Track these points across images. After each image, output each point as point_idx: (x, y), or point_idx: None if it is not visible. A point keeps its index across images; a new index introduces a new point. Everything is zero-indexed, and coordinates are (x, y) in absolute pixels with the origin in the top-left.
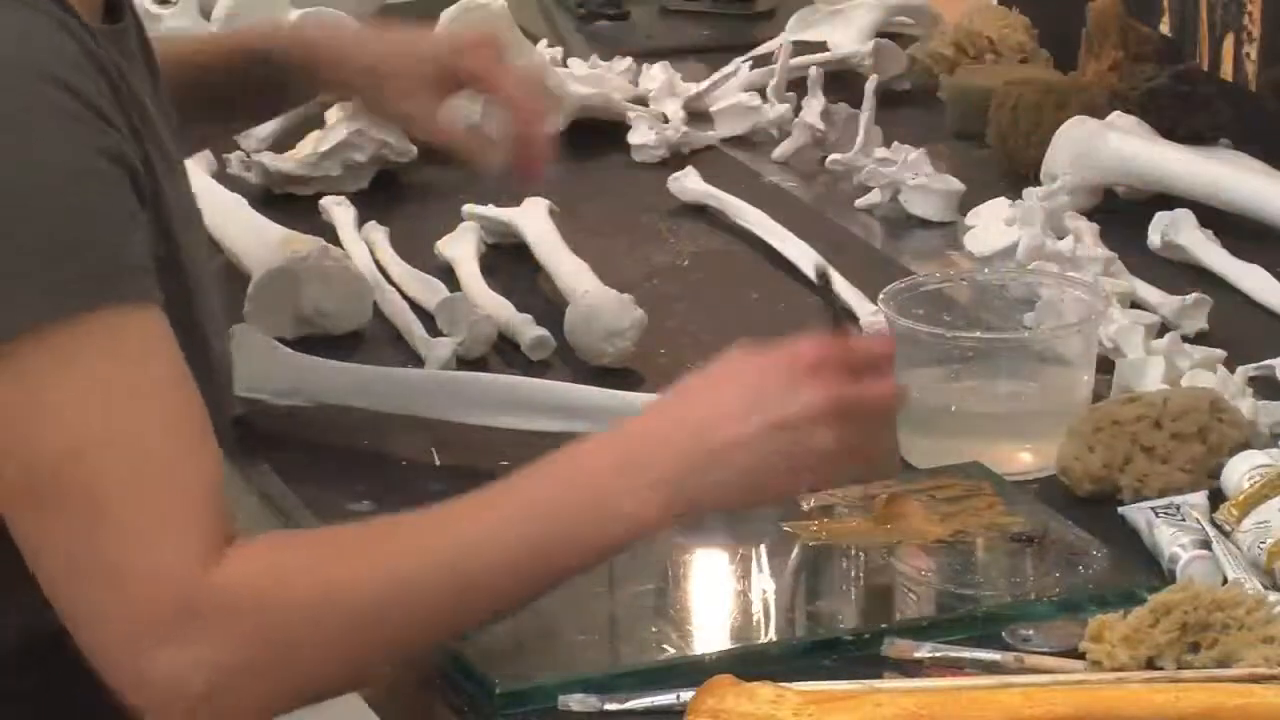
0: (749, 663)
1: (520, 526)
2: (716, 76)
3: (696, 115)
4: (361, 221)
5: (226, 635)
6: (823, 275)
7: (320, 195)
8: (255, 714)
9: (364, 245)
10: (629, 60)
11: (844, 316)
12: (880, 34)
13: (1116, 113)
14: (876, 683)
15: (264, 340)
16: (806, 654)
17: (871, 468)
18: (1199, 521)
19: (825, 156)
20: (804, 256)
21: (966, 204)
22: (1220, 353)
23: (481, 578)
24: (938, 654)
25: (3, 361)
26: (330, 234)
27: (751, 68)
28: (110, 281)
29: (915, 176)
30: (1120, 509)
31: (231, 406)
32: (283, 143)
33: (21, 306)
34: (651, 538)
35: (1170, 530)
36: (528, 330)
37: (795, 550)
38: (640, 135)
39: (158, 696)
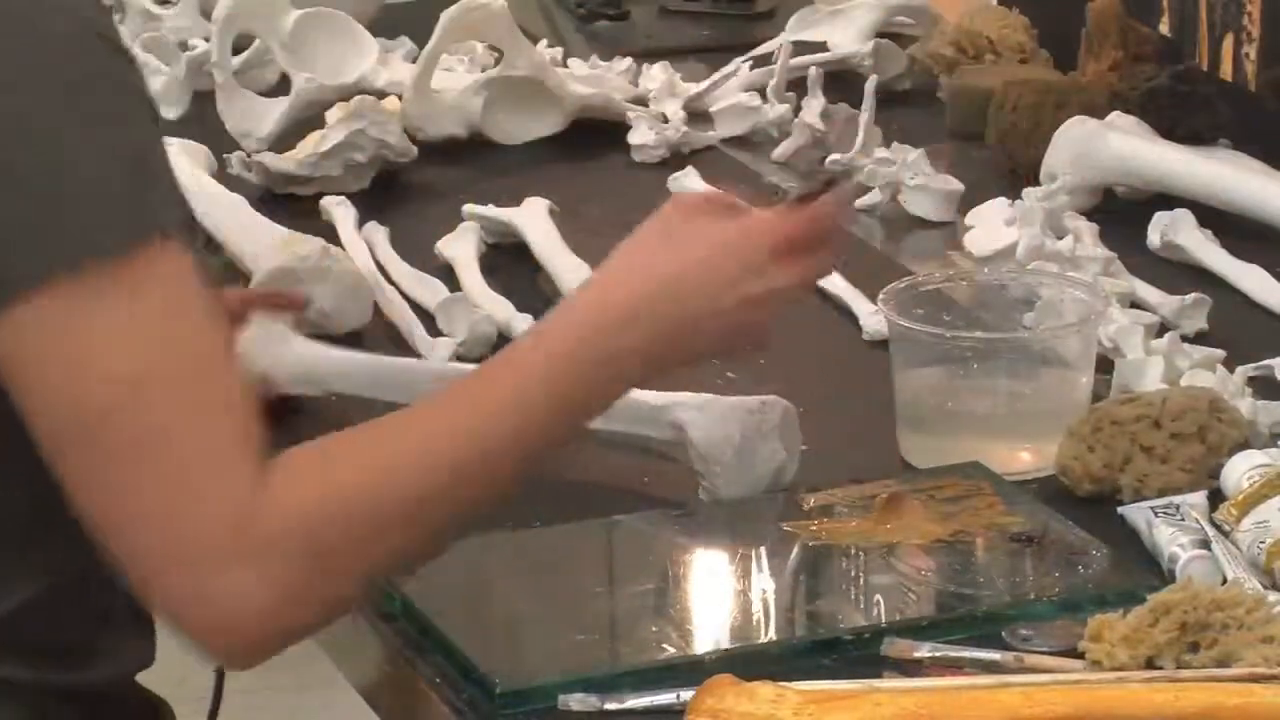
0: (749, 663)
1: (531, 398)
2: (716, 76)
3: (696, 115)
4: (361, 221)
5: (287, 549)
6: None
7: (320, 195)
8: (317, 621)
9: (364, 245)
10: (629, 60)
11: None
12: (880, 34)
13: (1116, 113)
14: (876, 682)
15: (278, 328)
16: (806, 654)
17: None
18: (1198, 521)
19: (825, 156)
20: None
21: (966, 204)
22: (1220, 353)
23: (501, 446)
24: (938, 654)
25: (52, 299)
26: (330, 234)
27: (751, 68)
28: (155, 214)
29: (915, 176)
30: (1120, 509)
31: None
32: (283, 143)
33: (68, 244)
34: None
35: (1170, 530)
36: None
37: (795, 550)
38: (640, 135)
39: (227, 619)
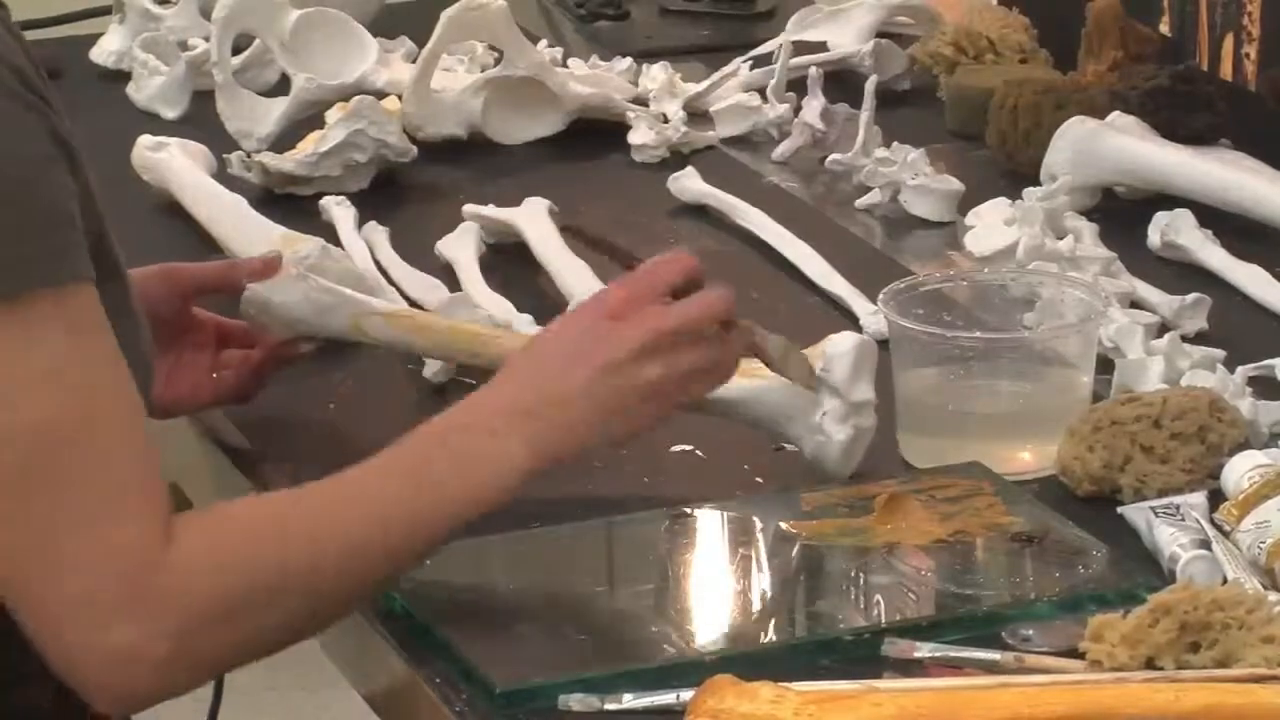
0: (749, 663)
1: (403, 491)
2: (716, 76)
3: (696, 115)
4: (361, 221)
5: (186, 605)
6: (570, 230)
7: (320, 195)
8: (209, 676)
9: (364, 245)
10: (629, 60)
11: (625, 252)
12: (880, 34)
13: (1116, 113)
14: (876, 683)
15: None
16: (806, 654)
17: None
18: (1199, 521)
19: (825, 156)
20: (804, 256)
21: (966, 204)
22: (1220, 353)
23: (395, 531)
24: (938, 654)
25: None
26: (330, 234)
27: (751, 68)
28: (58, 259)
29: (915, 176)
30: (1120, 509)
31: (152, 378)
32: (283, 143)
33: None
34: (521, 488)
35: (1170, 530)
36: (528, 330)
37: (795, 550)
38: (640, 135)
39: (118, 671)
